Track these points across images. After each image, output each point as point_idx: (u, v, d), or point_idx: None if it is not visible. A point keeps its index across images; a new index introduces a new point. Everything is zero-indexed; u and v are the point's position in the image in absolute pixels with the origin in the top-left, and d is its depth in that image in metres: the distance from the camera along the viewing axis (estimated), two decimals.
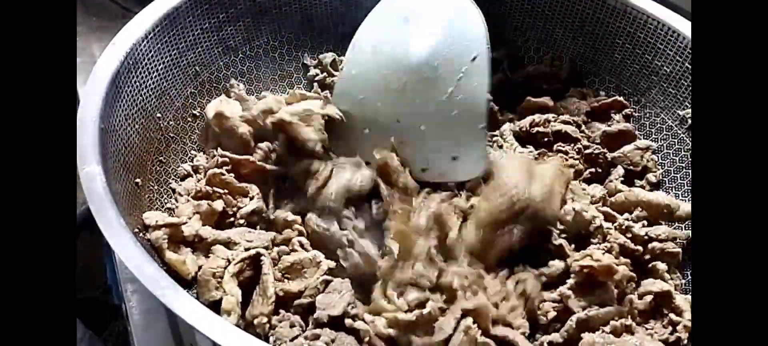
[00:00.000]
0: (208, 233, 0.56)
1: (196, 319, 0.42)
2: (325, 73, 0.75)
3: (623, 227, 0.59)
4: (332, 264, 0.55)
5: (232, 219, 0.59)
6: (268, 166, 0.62)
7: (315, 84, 0.75)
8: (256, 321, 0.51)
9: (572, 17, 0.73)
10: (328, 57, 0.75)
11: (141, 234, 0.53)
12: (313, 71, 0.76)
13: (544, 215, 0.56)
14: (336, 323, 0.51)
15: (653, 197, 0.62)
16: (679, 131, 0.69)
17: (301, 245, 0.57)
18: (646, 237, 0.59)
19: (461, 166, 0.61)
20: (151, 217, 0.54)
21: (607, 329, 0.51)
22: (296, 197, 0.62)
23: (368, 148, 0.62)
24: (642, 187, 0.67)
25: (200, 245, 0.56)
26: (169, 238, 0.54)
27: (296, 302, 0.53)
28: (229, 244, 0.56)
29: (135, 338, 0.60)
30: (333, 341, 0.49)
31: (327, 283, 0.53)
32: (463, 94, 0.59)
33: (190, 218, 0.57)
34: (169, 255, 0.53)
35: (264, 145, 0.63)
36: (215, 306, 0.52)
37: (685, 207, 0.61)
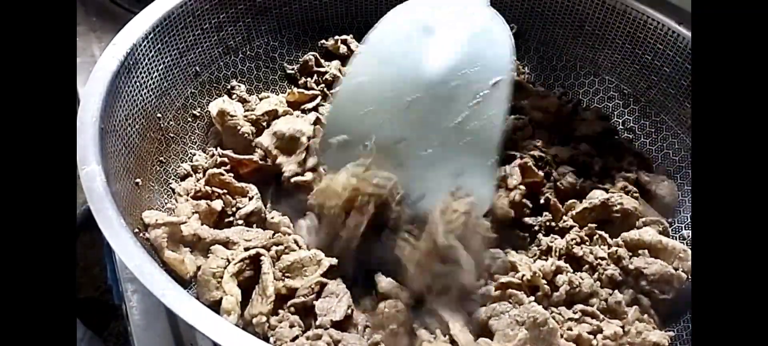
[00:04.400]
0: (207, 232, 0.56)
1: (196, 319, 0.42)
2: (308, 76, 0.74)
3: (615, 256, 0.57)
4: (334, 261, 0.55)
5: (231, 219, 0.60)
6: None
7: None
8: (254, 320, 0.51)
9: (572, 17, 0.73)
10: (311, 59, 0.74)
11: (141, 234, 0.53)
12: (301, 80, 0.75)
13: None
14: (341, 323, 0.51)
15: (670, 243, 0.58)
16: (679, 131, 0.69)
17: (296, 243, 0.57)
18: (634, 271, 0.56)
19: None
20: (151, 216, 0.54)
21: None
22: (293, 199, 0.62)
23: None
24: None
25: (199, 245, 0.56)
26: (168, 237, 0.54)
27: (291, 301, 0.52)
28: (227, 244, 0.56)
29: (135, 338, 0.60)
30: (338, 342, 0.49)
31: (322, 285, 0.53)
32: (477, 121, 0.53)
33: (189, 218, 0.57)
34: (168, 254, 0.53)
35: (263, 143, 0.63)
36: (215, 306, 0.52)
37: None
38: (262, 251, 0.54)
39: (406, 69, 0.55)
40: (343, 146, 0.56)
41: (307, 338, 0.49)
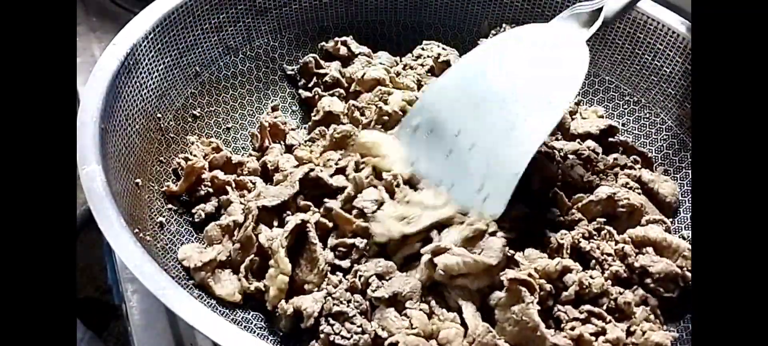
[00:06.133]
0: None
1: (196, 319, 0.42)
2: (308, 77, 0.74)
3: (621, 253, 0.57)
4: None
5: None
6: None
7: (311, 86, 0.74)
8: (306, 287, 0.53)
9: None
10: (311, 61, 0.74)
11: (141, 234, 0.53)
12: (301, 82, 0.75)
13: None
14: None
15: (674, 241, 0.58)
16: (679, 131, 0.69)
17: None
18: (640, 269, 0.56)
19: (481, 201, 0.57)
20: (188, 258, 0.55)
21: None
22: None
23: (413, 149, 0.62)
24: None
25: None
26: (212, 272, 0.55)
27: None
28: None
29: (135, 338, 0.60)
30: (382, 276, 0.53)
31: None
32: (521, 133, 0.58)
33: (221, 242, 0.58)
34: (219, 291, 0.54)
35: None
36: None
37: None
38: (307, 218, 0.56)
39: (483, 81, 0.62)
40: (416, 128, 0.63)
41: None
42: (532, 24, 0.65)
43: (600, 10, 0.61)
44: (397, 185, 0.59)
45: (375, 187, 0.59)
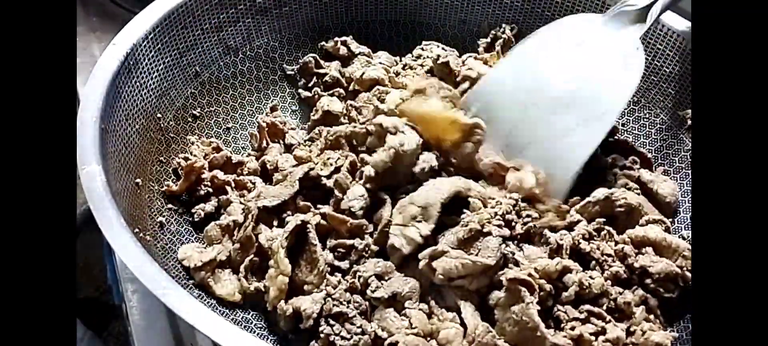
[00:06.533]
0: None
1: (196, 319, 0.42)
2: (308, 77, 0.75)
3: (621, 254, 0.57)
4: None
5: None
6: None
7: (311, 86, 0.74)
8: (306, 288, 0.52)
9: None
10: (310, 61, 0.74)
11: (141, 234, 0.53)
12: (301, 82, 0.75)
13: None
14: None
15: (674, 241, 0.58)
16: (679, 131, 0.69)
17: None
18: (639, 269, 0.56)
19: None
20: (189, 257, 0.55)
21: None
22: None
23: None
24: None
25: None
26: (212, 272, 0.55)
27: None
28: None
29: (135, 338, 0.60)
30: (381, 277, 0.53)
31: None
32: (575, 139, 0.61)
33: (220, 242, 0.57)
34: (219, 291, 0.54)
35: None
36: None
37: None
38: (306, 218, 0.56)
39: (536, 78, 0.64)
40: (475, 114, 0.64)
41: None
42: (581, 15, 0.67)
43: (648, 7, 0.63)
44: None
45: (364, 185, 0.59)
